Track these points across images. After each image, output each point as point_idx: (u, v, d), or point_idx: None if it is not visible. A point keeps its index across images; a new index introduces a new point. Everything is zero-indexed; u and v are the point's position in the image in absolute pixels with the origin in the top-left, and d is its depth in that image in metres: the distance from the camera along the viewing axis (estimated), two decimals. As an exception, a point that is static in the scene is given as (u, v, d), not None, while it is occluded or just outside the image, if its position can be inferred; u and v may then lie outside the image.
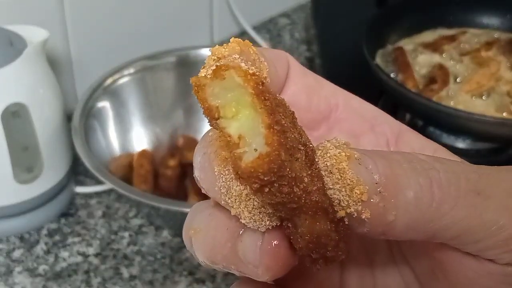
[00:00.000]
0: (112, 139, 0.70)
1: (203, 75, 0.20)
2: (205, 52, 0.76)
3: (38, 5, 0.72)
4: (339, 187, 0.20)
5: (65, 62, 0.78)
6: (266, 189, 0.19)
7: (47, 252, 0.64)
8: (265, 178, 0.19)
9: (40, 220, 0.66)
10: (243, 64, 0.20)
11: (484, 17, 0.88)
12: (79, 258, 0.63)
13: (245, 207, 0.21)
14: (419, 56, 0.83)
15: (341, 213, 0.20)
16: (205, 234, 0.23)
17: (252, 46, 0.21)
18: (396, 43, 0.84)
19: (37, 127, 0.61)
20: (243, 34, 0.97)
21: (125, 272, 0.62)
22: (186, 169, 0.70)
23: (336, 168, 0.20)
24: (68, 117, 0.67)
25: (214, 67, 0.20)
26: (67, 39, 0.76)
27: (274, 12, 1.02)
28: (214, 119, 0.20)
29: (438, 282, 0.24)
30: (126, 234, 0.66)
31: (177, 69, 0.75)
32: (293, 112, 0.21)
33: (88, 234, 0.66)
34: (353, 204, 0.20)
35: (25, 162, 0.62)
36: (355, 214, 0.20)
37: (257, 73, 0.20)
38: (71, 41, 0.77)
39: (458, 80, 0.78)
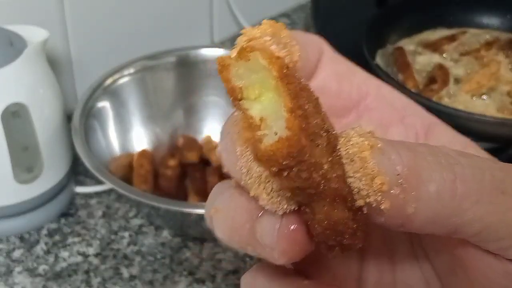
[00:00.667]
0: (112, 139, 0.70)
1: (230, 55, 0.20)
2: (205, 52, 0.76)
3: (38, 5, 0.72)
4: (360, 176, 0.20)
5: (65, 62, 0.78)
6: (285, 173, 0.19)
7: (47, 252, 0.64)
8: (284, 162, 0.19)
9: (40, 220, 0.66)
10: (273, 47, 0.20)
11: (484, 17, 0.88)
12: (79, 258, 0.63)
13: (264, 189, 0.20)
14: (419, 56, 0.83)
15: (360, 202, 0.20)
16: (225, 214, 0.23)
17: (285, 29, 0.21)
18: (396, 43, 0.84)
19: (37, 127, 0.61)
20: (243, 34, 0.97)
21: (125, 272, 0.62)
22: (186, 169, 0.70)
23: (358, 157, 0.20)
24: (68, 117, 0.67)
25: (239, 48, 0.20)
26: (67, 39, 0.76)
27: (274, 12, 1.02)
28: (237, 100, 0.20)
29: (457, 279, 0.23)
30: (126, 234, 0.66)
31: (177, 69, 0.75)
32: (318, 97, 0.21)
33: (88, 234, 0.66)
34: (373, 194, 0.20)
35: (25, 162, 0.62)
36: (374, 204, 0.20)
37: (284, 57, 0.20)
38: (71, 41, 0.77)
39: (458, 80, 0.79)
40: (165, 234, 0.66)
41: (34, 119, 0.61)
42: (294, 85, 0.19)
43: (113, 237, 0.66)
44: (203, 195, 0.68)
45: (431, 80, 0.78)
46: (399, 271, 0.26)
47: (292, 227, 0.21)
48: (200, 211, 0.59)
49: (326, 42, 0.25)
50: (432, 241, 0.24)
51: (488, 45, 0.83)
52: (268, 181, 0.20)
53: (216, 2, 0.91)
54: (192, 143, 0.72)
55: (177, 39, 0.86)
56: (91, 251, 0.64)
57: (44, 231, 0.66)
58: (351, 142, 0.20)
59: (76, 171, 0.72)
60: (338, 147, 0.20)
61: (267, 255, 0.22)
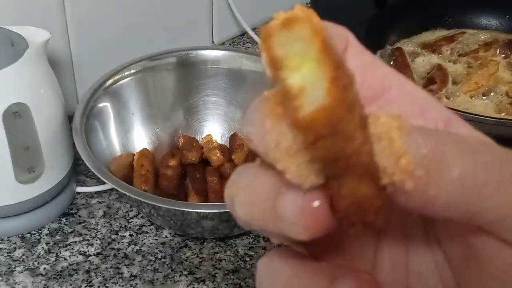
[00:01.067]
0: (112, 139, 0.70)
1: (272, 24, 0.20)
2: (205, 52, 0.76)
3: (39, 6, 0.72)
4: (387, 154, 0.20)
5: (66, 63, 0.78)
6: (320, 143, 0.19)
7: (48, 251, 0.64)
8: (321, 131, 0.19)
9: (41, 220, 0.66)
10: (315, 19, 0.20)
11: (482, 18, 0.88)
12: (80, 258, 0.64)
13: (293, 162, 0.21)
14: (418, 56, 0.83)
15: (385, 180, 0.20)
16: (247, 191, 0.23)
17: (316, 16, 0.21)
18: (395, 44, 0.84)
19: (38, 127, 0.62)
20: (243, 35, 0.97)
21: (125, 272, 0.62)
22: (186, 169, 0.70)
23: (386, 136, 0.20)
24: (69, 117, 0.67)
25: (284, 18, 0.20)
26: (68, 40, 0.77)
27: (274, 12, 1.02)
28: (276, 70, 0.20)
29: (469, 269, 0.24)
30: (127, 233, 0.67)
31: (177, 70, 0.75)
32: (353, 74, 0.21)
33: (89, 233, 0.66)
34: (398, 173, 0.20)
35: (26, 162, 0.63)
36: (398, 184, 0.20)
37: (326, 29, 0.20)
38: (72, 41, 0.77)
39: (457, 80, 0.79)
40: (166, 233, 0.67)
41: (35, 119, 0.61)
42: (335, 58, 0.19)
43: (113, 236, 0.66)
44: (203, 195, 0.68)
45: (430, 80, 0.78)
46: (412, 258, 0.26)
47: (315, 202, 0.21)
48: (200, 210, 0.60)
49: (352, 34, 0.25)
50: (447, 228, 0.25)
51: (487, 45, 0.83)
52: (298, 154, 0.20)
53: (216, 2, 0.92)
54: (192, 143, 0.72)
55: (178, 40, 0.86)
56: (92, 250, 0.64)
57: (45, 231, 0.66)
58: (379, 122, 0.21)
59: (77, 171, 0.72)
60: (367, 125, 0.21)
61: (289, 230, 0.22)
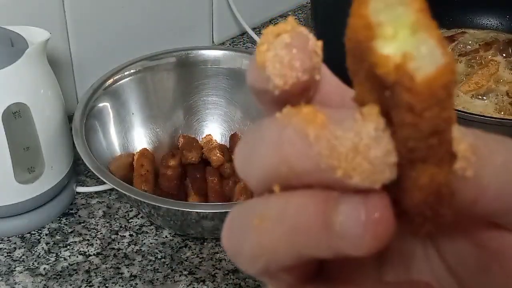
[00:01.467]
0: (112, 139, 0.70)
1: None
2: (205, 52, 0.76)
3: (39, 6, 0.72)
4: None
5: (66, 63, 0.78)
6: (427, 113, 0.18)
7: (48, 251, 0.64)
8: (440, 94, 0.18)
9: (41, 220, 0.66)
10: None
11: (483, 18, 0.88)
12: (80, 258, 0.64)
13: (364, 158, 0.19)
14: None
15: (457, 165, 0.20)
16: (280, 220, 0.20)
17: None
18: (395, 44, 0.84)
19: (38, 127, 0.62)
20: (243, 35, 0.97)
21: (125, 272, 0.62)
22: (186, 169, 0.70)
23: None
24: (69, 117, 0.67)
25: None
26: (68, 40, 0.77)
27: (274, 13, 1.03)
28: (368, 41, 0.19)
29: (488, 275, 0.23)
30: (127, 233, 0.66)
31: (177, 70, 0.75)
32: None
33: (89, 233, 0.66)
34: (461, 159, 0.20)
35: (26, 162, 0.63)
36: (460, 172, 0.20)
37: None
38: (71, 41, 0.77)
39: (457, 80, 0.79)
40: (166, 233, 0.67)
41: (35, 119, 0.61)
42: (432, 19, 0.19)
43: (113, 236, 0.66)
44: (203, 195, 0.68)
45: (430, 80, 0.78)
46: (413, 275, 0.26)
47: (382, 208, 0.19)
48: (200, 210, 0.60)
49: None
50: (455, 242, 0.24)
51: (487, 45, 0.83)
52: (369, 149, 0.19)
53: (216, 2, 0.92)
54: (192, 143, 0.72)
55: (177, 40, 0.86)
56: (92, 250, 0.64)
57: (45, 231, 0.66)
58: None
59: (77, 171, 0.72)
60: None
61: (349, 247, 0.20)
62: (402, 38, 0.19)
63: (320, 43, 0.21)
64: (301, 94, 0.21)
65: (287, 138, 0.20)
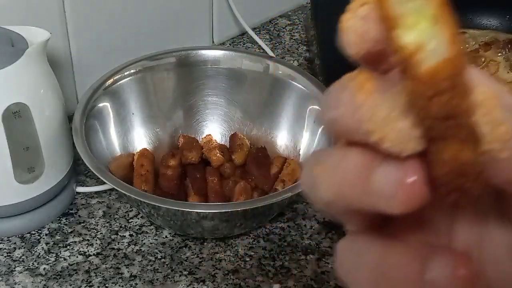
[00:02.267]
0: (112, 139, 0.70)
1: None
2: (205, 52, 0.76)
3: (39, 6, 0.72)
4: (486, 121, 0.21)
5: (66, 63, 0.78)
6: (436, 100, 0.20)
7: (48, 251, 0.64)
8: (443, 84, 0.19)
9: (41, 220, 0.66)
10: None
11: (482, 18, 0.88)
12: (80, 258, 0.64)
13: (392, 128, 0.21)
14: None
15: (485, 147, 0.21)
16: (334, 170, 0.23)
17: None
18: (395, 44, 0.84)
19: (38, 127, 0.62)
20: (243, 35, 0.97)
21: (125, 272, 0.62)
22: (186, 169, 0.70)
23: (486, 103, 0.21)
24: (68, 117, 0.67)
25: None
26: (68, 40, 0.77)
27: (274, 13, 1.03)
28: (390, 29, 0.20)
29: None
30: (127, 233, 0.67)
31: (177, 70, 0.75)
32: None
33: (89, 234, 0.66)
34: (496, 140, 0.21)
35: (26, 162, 0.63)
36: (494, 153, 0.21)
37: None
38: (71, 41, 0.77)
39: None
40: (166, 233, 0.67)
41: (35, 119, 0.61)
42: (450, 14, 0.20)
43: (113, 236, 0.66)
44: (203, 195, 0.68)
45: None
46: (486, 238, 0.26)
47: (413, 173, 0.21)
48: (200, 210, 0.60)
49: None
50: None
51: (487, 45, 0.83)
52: (399, 120, 0.21)
53: (216, 2, 0.92)
54: (192, 143, 0.72)
55: (177, 40, 0.86)
56: (91, 250, 0.64)
57: (45, 231, 0.66)
58: (479, 90, 0.21)
59: (77, 171, 0.72)
60: None
61: (384, 204, 0.22)
62: (422, 28, 0.20)
63: None
64: (376, 63, 0.23)
65: (342, 100, 0.22)
